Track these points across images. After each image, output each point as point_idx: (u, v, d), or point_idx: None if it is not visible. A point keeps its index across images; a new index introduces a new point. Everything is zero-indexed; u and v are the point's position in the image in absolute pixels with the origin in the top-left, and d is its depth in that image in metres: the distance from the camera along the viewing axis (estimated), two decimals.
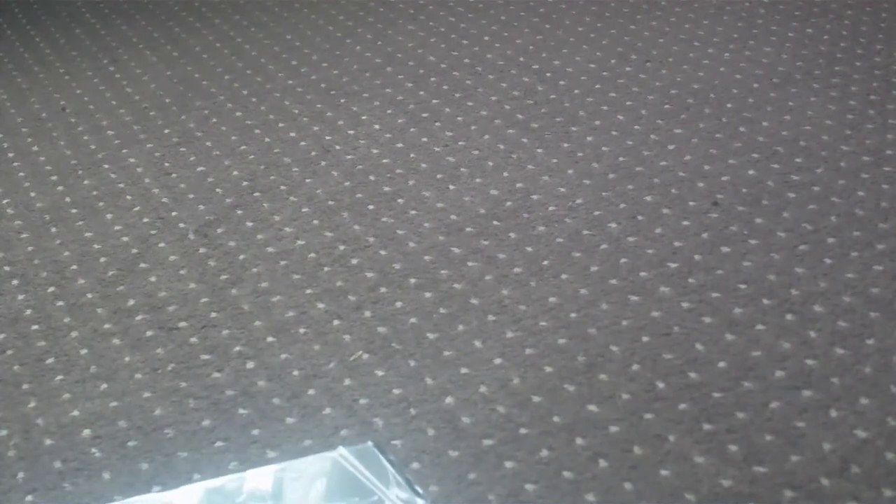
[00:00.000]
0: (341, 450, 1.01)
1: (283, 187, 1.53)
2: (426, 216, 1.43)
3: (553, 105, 1.67)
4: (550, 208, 1.41)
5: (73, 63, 2.03)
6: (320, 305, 1.28)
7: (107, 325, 1.29)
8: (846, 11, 1.89)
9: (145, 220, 1.50)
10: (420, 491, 0.96)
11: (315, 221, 1.45)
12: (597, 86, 1.72)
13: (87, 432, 1.13)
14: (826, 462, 0.99)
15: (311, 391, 1.15)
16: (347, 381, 1.16)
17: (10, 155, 1.72)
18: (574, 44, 1.87)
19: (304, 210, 1.47)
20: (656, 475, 1.00)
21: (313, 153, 1.61)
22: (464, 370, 1.16)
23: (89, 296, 1.35)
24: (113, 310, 1.32)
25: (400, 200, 1.47)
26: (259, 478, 1.00)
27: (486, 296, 1.26)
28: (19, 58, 2.10)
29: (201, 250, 1.42)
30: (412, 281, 1.31)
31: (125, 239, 1.46)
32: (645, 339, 1.17)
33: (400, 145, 1.61)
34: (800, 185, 1.40)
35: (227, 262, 1.38)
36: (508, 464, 1.03)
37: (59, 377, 1.22)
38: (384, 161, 1.57)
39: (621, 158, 1.51)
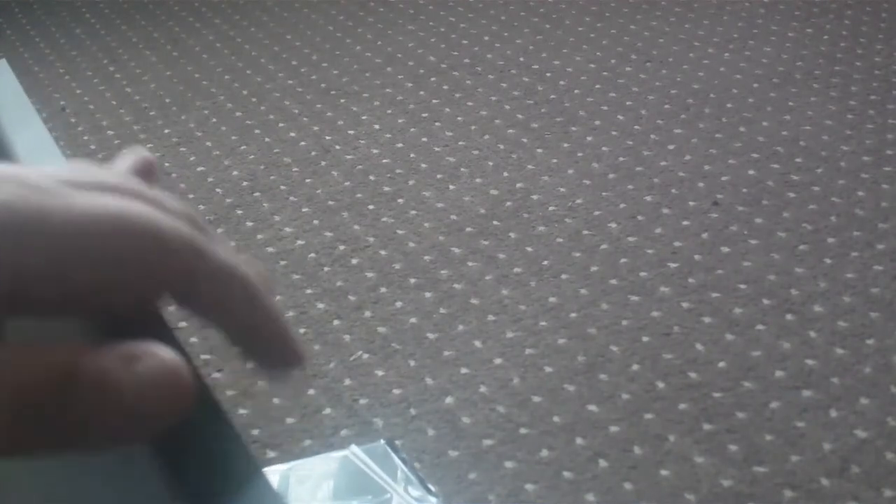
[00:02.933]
0: (353, 448, 1.01)
1: (283, 187, 1.53)
2: (426, 216, 1.43)
3: (553, 105, 1.67)
4: (550, 208, 1.41)
5: (73, 63, 2.03)
6: (320, 305, 1.28)
7: None
8: (846, 11, 1.89)
9: None
10: (432, 489, 0.97)
11: (315, 221, 1.45)
12: (597, 86, 1.72)
13: None
14: (826, 462, 0.99)
15: (311, 391, 1.15)
16: (347, 381, 1.16)
17: None
18: (574, 44, 1.87)
19: (304, 210, 1.47)
20: (656, 475, 1.00)
21: (313, 153, 1.61)
22: (464, 370, 1.16)
23: None
24: None
25: (400, 200, 1.47)
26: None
27: (486, 296, 1.26)
28: (19, 58, 2.10)
29: None
30: (412, 281, 1.31)
31: None
32: (645, 339, 1.17)
33: (400, 145, 1.61)
34: (800, 185, 1.40)
35: None
36: (508, 464, 1.03)
37: None
38: (384, 161, 1.57)
39: (621, 158, 1.51)
